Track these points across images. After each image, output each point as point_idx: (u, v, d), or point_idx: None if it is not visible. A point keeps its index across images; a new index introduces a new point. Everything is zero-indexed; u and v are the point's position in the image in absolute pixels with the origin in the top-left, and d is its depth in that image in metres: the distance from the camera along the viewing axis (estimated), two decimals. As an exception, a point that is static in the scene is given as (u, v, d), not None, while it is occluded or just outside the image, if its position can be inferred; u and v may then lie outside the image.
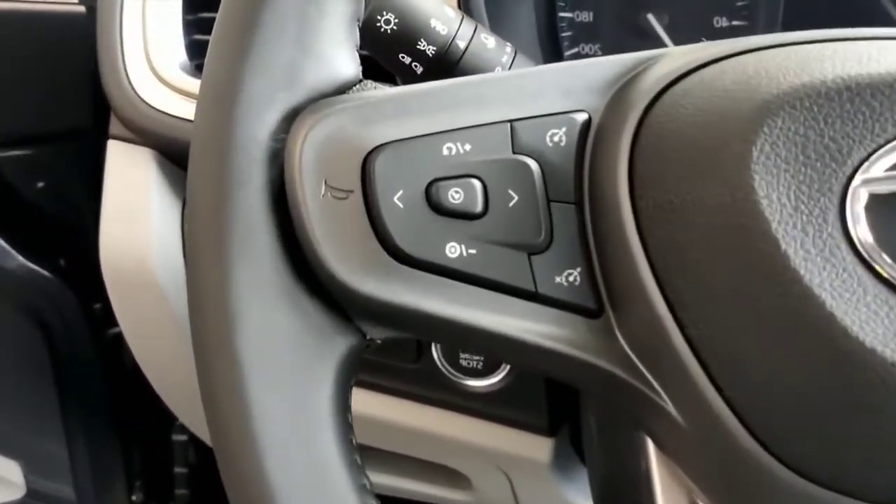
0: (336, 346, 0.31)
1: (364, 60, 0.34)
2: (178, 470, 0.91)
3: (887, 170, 0.28)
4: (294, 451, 0.30)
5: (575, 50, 0.66)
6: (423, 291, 0.30)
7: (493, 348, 0.32)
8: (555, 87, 0.32)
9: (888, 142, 0.28)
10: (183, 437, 0.89)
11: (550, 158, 0.31)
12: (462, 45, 0.44)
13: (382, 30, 0.43)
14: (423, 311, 0.31)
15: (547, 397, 0.57)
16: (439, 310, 0.30)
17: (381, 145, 0.31)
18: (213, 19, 0.33)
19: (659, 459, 0.34)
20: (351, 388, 0.33)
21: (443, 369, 0.57)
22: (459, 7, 0.52)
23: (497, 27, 0.51)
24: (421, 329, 0.32)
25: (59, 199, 0.80)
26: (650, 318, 0.29)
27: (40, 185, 0.78)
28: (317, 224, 0.30)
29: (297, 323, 0.31)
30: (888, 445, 0.27)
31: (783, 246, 0.27)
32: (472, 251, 0.31)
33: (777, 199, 0.28)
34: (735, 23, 0.63)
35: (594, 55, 0.66)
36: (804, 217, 0.28)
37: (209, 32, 0.33)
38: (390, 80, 0.46)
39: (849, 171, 0.28)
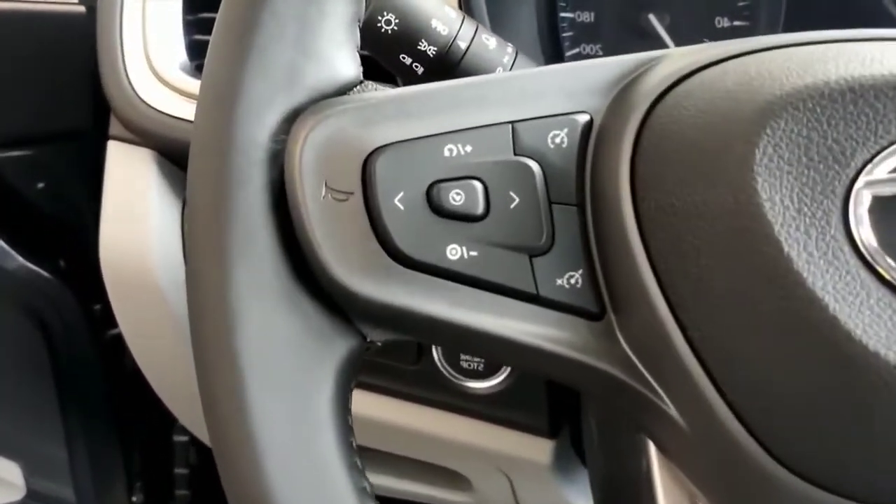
0: (336, 348, 0.31)
1: (365, 61, 0.34)
2: (178, 471, 0.91)
3: (891, 172, 0.28)
4: (294, 454, 0.30)
5: (576, 50, 0.66)
6: (424, 294, 0.30)
7: (494, 351, 0.31)
8: (556, 89, 0.32)
9: (892, 143, 0.28)
10: (183, 438, 0.89)
11: (552, 160, 0.31)
12: (463, 45, 0.44)
13: (383, 30, 0.43)
14: (424, 314, 0.30)
15: (548, 399, 0.57)
16: (440, 312, 0.30)
17: (382, 147, 0.30)
18: (214, 19, 0.32)
19: (660, 462, 0.34)
20: (351, 390, 0.32)
21: (443, 371, 0.57)
22: (460, 7, 0.52)
23: (498, 27, 0.51)
24: (422, 331, 0.32)
25: (59, 199, 0.80)
26: (652, 321, 0.29)
27: (40, 185, 0.78)
28: (317, 226, 0.30)
29: (297, 325, 0.31)
30: (891, 449, 0.27)
31: (786, 248, 0.27)
32: (473, 253, 0.31)
33: (780, 201, 0.28)
34: (737, 23, 0.63)
35: (595, 56, 0.65)
36: (807, 219, 0.28)
37: (209, 33, 0.32)
38: (391, 80, 0.46)
39: (852, 173, 0.28)
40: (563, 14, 0.65)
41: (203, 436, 0.76)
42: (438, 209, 0.30)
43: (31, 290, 0.79)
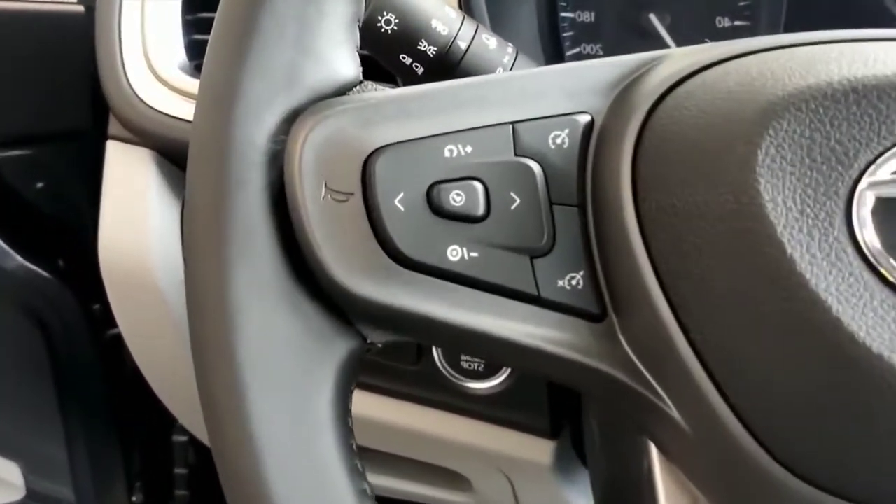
0: (336, 349, 0.31)
1: (364, 61, 0.34)
2: (177, 471, 0.91)
3: (894, 173, 0.27)
4: (293, 455, 0.30)
5: (576, 50, 0.65)
6: (424, 295, 0.30)
7: (495, 352, 0.31)
8: (557, 89, 0.32)
9: (895, 144, 0.28)
10: (183, 438, 0.89)
11: (553, 160, 0.31)
12: (463, 45, 0.44)
13: (383, 30, 0.42)
14: (424, 315, 0.30)
15: (548, 399, 0.57)
16: (440, 313, 0.30)
17: (382, 147, 0.30)
18: (213, 19, 0.32)
19: (662, 463, 0.34)
20: (351, 392, 0.32)
21: (443, 371, 0.57)
22: (460, 7, 0.52)
23: (498, 27, 0.51)
24: (422, 333, 0.32)
25: (59, 199, 0.80)
26: (653, 322, 0.29)
27: (39, 185, 0.78)
28: (317, 227, 0.30)
29: (296, 326, 0.30)
30: (893, 451, 0.27)
31: (789, 250, 0.27)
32: (474, 254, 0.30)
33: (782, 202, 0.27)
34: (737, 23, 0.63)
35: (596, 55, 0.65)
36: (810, 221, 0.27)
37: (209, 32, 0.32)
38: (391, 80, 0.46)
39: (855, 174, 0.28)
40: (563, 14, 0.65)
41: (202, 436, 0.76)
42: (439, 210, 0.30)
43: (30, 289, 0.79)
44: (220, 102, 0.30)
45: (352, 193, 0.30)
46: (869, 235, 0.27)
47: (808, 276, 0.27)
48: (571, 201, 0.31)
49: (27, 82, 0.73)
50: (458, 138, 0.31)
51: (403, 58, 0.44)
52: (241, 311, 0.30)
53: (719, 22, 0.63)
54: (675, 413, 0.29)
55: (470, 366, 0.57)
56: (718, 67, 0.31)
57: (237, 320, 0.30)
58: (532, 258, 0.31)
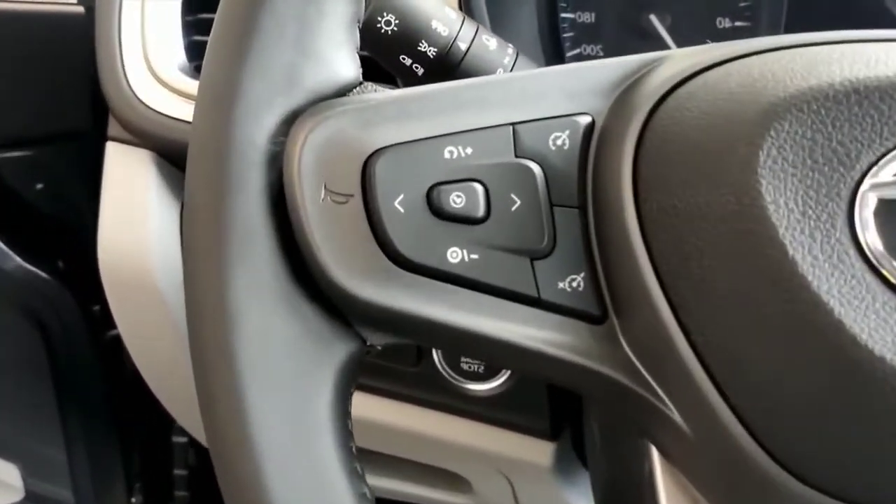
0: (335, 351, 0.31)
1: (364, 62, 0.34)
2: (177, 472, 0.91)
3: (896, 174, 0.27)
4: (292, 458, 0.30)
5: (577, 51, 0.65)
6: (424, 297, 0.30)
7: (495, 355, 0.31)
8: (558, 90, 0.31)
9: None
10: (183, 439, 0.89)
11: (553, 162, 0.31)
12: (463, 46, 0.43)
13: (383, 31, 0.42)
14: (424, 317, 0.30)
15: (549, 401, 0.57)
16: (440, 316, 0.30)
17: (382, 149, 0.30)
18: (213, 20, 0.32)
19: (663, 466, 0.34)
20: (351, 394, 0.32)
21: (443, 373, 0.57)
22: (461, 8, 0.52)
23: (498, 28, 0.51)
24: (422, 335, 0.32)
25: (58, 200, 0.80)
26: (654, 324, 0.29)
27: (39, 186, 0.78)
28: (316, 228, 0.30)
29: (295, 328, 0.30)
30: (895, 454, 0.27)
31: (790, 252, 0.27)
32: (474, 256, 0.30)
33: (784, 203, 0.27)
34: (738, 24, 0.63)
35: (596, 56, 0.65)
36: (812, 222, 0.27)
37: (209, 33, 0.32)
38: (391, 81, 0.46)
39: (857, 175, 0.27)
40: (563, 14, 0.65)
41: (202, 437, 0.76)
42: (439, 212, 0.30)
43: (29, 290, 0.79)
44: (220, 103, 0.30)
45: (351, 195, 0.30)
46: (871, 237, 0.27)
47: (809, 277, 0.27)
48: (572, 203, 0.31)
49: (27, 83, 0.72)
50: (458, 140, 0.31)
51: (403, 59, 0.43)
52: (240, 313, 0.30)
53: (720, 23, 0.63)
54: (675, 415, 0.29)
55: (470, 367, 0.57)
56: (720, 68, 0.31)
57: (236, 322, 0.30)
58: (532, 260, 0.31)
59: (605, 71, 0.32)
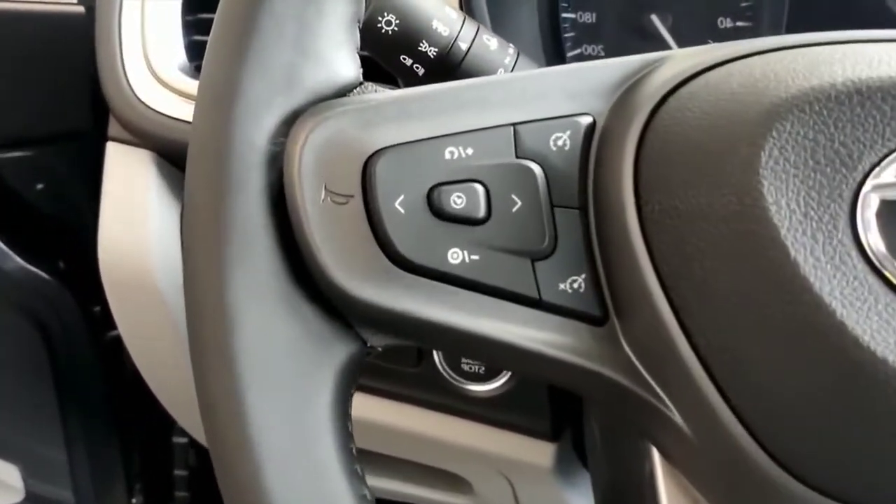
0: (336, 353, 0.31)
1: (365, 62, 0.34)
2: (177, 472, 0.91)
3: (898, 175, 0.27)
4: (292, 459, 0.30)
5: (578, 51, 0.65)
6: (425, 298, 0.30)
7: (496, 356, 0.31)
8: (558, 90, 0.31)
9: None
10: (183, 440, 0.89)
11: (554, 163, 0.31)
12: (464, 46, 0.43)
13: (383, 31, 0.42)
14: (425, 319, 0.30)
15: (549, 402, 0.57)
16: (441, 317, 0.30)
17: (382, 149, 0.30)
18: (213, 20, 0.32)
19: (664, 467, 0.34)
20: (351, 396, 0.32)
21: (444, 374, 0.57)
22: (461, 8, 0.52)
23: (499, 28, 0.51)
24: (422, 336, 0.32)
25: (59, 200, 0.80)
26: (655, 326, 0.29)
27: (39, 186, 0.78)
28: (316, 229, 0.30)
29: (296, 329, 0.30)
30: None
31: (792, 253, 0.27)
32: (475, 257, 0.30)
33: (786, 204, 0.27)
34: (739, 24, 0.63)
35: (597, 56, 0.65)
36: (814, 223, 0.27)
37: (209, 33, 0.32)
38: (391, 81, 0.46)
39: (859, 176, 0.27)
40: (564, 14, 0.65)
41: (202, 438, 0.76)
42: (439, 212, 0.30)
43: (30, 291, 0.78)
44: (220, 103, 0.30)
45: (352, 196, 0.30)
46: (873, 238, 0.27)
47: (811, 279, 0.27)
48: (573, 203, 0.31)
49: (27, 83, 0.72)
50: (458, 140, 0.31)
51: (404, 59, 0.43)
52: (240, 314, 0.30)
53: (721, 23, 0.63)
54: (676, 416, 0.29)
55: (471, 368, 0.57)
56: (721, 68, 0.31)
57: (236, 323, 0.30)
58: (533, 261, 0.30)
59: (606, 71, 0.32)
